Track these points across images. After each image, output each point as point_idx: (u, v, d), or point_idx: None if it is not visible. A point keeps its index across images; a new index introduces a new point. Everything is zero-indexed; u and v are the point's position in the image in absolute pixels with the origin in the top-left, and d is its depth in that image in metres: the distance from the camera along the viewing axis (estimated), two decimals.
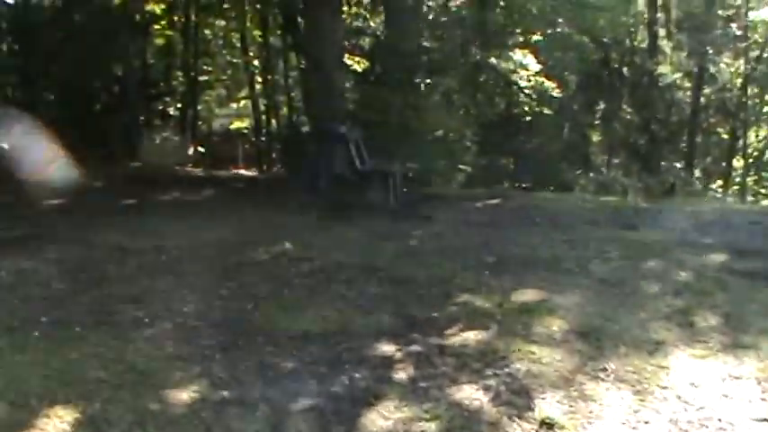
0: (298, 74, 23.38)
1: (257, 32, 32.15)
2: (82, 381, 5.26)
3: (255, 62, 33.17)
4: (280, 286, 7.62)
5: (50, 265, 8.21)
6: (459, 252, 9.31)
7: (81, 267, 8.13)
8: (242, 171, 33.40)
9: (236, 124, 38.69)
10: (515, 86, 22.51)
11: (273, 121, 34.15)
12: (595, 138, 28.62)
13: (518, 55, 21.80)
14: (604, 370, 5.65)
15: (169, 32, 28.47)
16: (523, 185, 21.14)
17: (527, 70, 22.30)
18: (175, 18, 28.72)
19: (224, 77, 34.60)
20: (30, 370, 5.41)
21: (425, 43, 18.69)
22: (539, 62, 22.48)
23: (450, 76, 19.09)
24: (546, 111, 23.65)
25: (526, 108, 23.33)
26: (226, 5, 26.16)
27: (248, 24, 30.58)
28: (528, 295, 7.53)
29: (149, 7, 26.41)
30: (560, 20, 18.65)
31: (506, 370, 5.65)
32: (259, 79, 33.60)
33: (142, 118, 26.02)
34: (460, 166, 17.28)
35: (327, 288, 7.57)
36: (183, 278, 7.81)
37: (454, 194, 14.52)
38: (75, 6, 27.05)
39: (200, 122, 32.38)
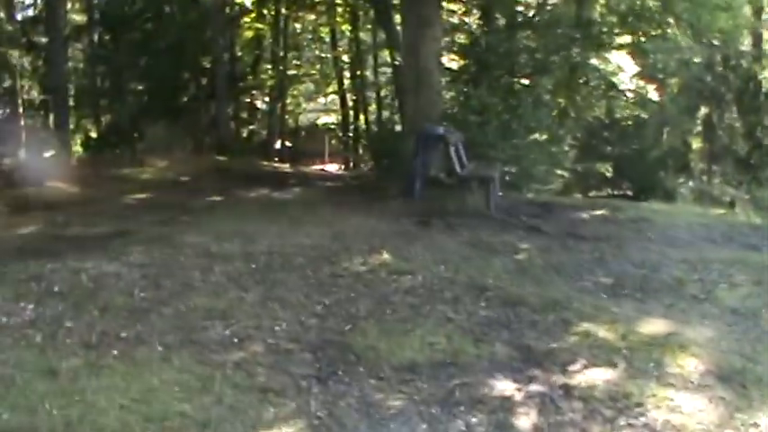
0: (391, 71, 22.50)
1: (347, 27, 31.75)
2: (163, 415, 4.63)
3: (345, 57, 32.75)
4: (380, 304, 6.90)
5: (133, 270, 7.62)
6: (572, 270, 8.51)
7: (165, 273, 7.52)
8: (328, 167, 33.12)
9: (323, 119, 38.42)
10: (616, 89, 21.54)
11: (362, 117, 33.70)
12: (696, 145, 27.31)
13: (616, 56, 20.90)
14: (756, 426, 4.86)
15: (258, 25, 28.05)
16: (624, 193, 20.18)
17: (624, 72, 21.44)
18: (264, 11, 28.30)
19: (312, 72, 34.03)
20: (107, 398, 4.79)
21: (523, 42, 17.81)
22: (637, 64, 21.57)
23: (550, 77, 18.12)
24: (645, 115, 22.65)
25: (626, 112, 22.33)
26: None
27: (338, 19, 30.12)
28: (654, 326, 6.69)
29: None
30: (670, 20, 17.37)
31: (642, 419, 4.89)
32: (347, 75, 33.18)
33: (230, 111, 25.55)
34: (559, 172, 16.28)
35: (432, 308, 6.83)
36: (274, 290, 7.15)
37: (556, 202, 13.61)
38: None
39: (287, 117, 31.86)
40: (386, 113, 32.32)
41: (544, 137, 15.69)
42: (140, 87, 26.31)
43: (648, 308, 7.24)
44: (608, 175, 21.99)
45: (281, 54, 28.56)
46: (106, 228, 10.52)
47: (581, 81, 20.55)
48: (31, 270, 7.52)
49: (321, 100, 39.16)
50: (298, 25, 31.08)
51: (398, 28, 20.90)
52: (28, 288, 6.93)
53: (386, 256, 8.46)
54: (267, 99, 29.40)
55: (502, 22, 19.42)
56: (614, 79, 21.46)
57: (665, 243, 10.23)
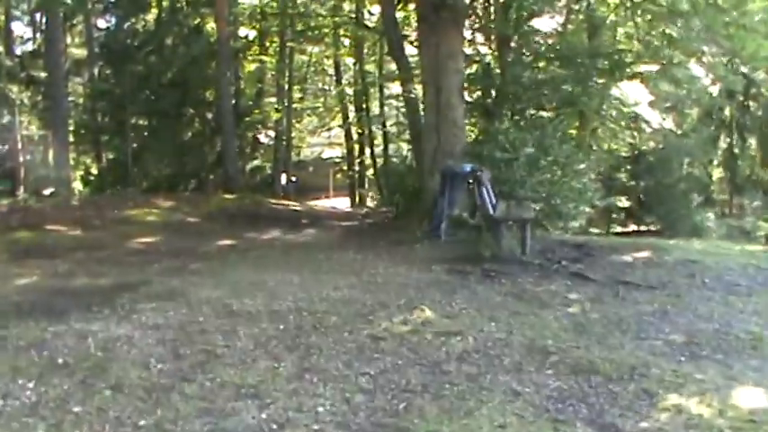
0: (403, 104, 21.64)
1: (351, 59, 31.10)
2: None
3: (349, 90, 32.08)
4: (433, 374, 5.99)
5: (147, 333, 6.75)
6: (636, 326, 7.60)
7: (183, 338, 6.64)
8: (334, 201, 32.30)
9: (328, 153, 37.70)
10: (638, 120, 20.79)
11: (367, 151, 32.99)
12: (716, 175, 26.52)
13: (633, 86, 20.18)
14: None
15: (263, 58, 27.29)
16: (649, 228, 19.33)
17: (641, 103, 20.75)
18: (267, 43, 27.58)
19: (316, 105, 33.29)
20: None
21: (548, 73, 16.99)
22: (653, 93, 20.88)
23: (576, 109, 17.30)
24: (666, 146, 21.88)
25: (649, 144, 21.54)
26: (324, 30, 24.49)
27: (341, 51, 29.44)
28: (751, 397, 5.75)
29: (242, 31, 25.22)
30: (704, 47, 16.59)
31: None
32: (352, 108, 32.49)
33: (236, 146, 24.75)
34: (585, 208, 15.41)
35: (494, 378, 5.93)
36: (310, 358, 6.25)
37: (591, 243, 12.72)
38: (167, 30, 26.18)
39: (291, 151, 31.09)
40: (393, 147, 31.61)
41: (572, 172, 14.79)
42: (142, 122, 25.53)
43: (735, 373, 6.32)
44: (629, 208, 21.11)
45: (287, 87, 27.77)
46: (113, 278, 9.64)
47: (604, 112, 19.72)
48: (31, 334, 6.67)
49: (325, 133, 38.56)
50: (304, 57, 30.33)
51: (410, 59, 20.24)
52: (28, 358, 6.05)
53: (428, 312, 7.58)
54: (272, 133, 28.63)
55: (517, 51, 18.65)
56: (635, 110, 20.72)
57: (725, 290, 9.32)
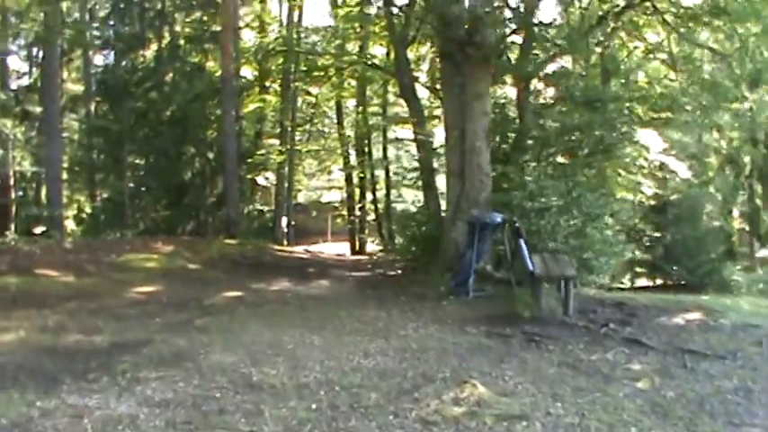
0: (416, 147, 20.66)
1: (351, 100, 30.25)
2: None
3: (350, 132, 31.21)
4: None
5: (154, 412, 5.67)
6: (722, 408, 6.49)
7: (199, 419, 5.57)
8: (333, 246, 31.21)
9: (328, 197, 36.74)
10: (663, 169, 19.89)
11: (369, 196, 32.05)
12: (737, 226, 25.56)
13: (649, 134, 19.33)
14: None
15: (267, 97, 26.32)
16: (677, 282, 18.30)
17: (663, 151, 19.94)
18: (269, 83, 26.63)
19: (317, 147, 32.28)
20: None
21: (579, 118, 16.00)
22: (667, 141, 20.09)
23: (607, 156, 16.30)
24: (688, 195, 20.96)
25: (671, 193, 20.60)
26: (331, 70, 23.52)
27: (344, 93, 28.56)
28: None
29: (244, 70, 24.23)
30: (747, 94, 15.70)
31: None
32: (352, 150, 31.58)
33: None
34: (613, 261, 14.37)
35: None
36: None
37: (632, 302, 11.64)
38: (168, 66, 25.29)
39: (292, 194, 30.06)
40: (395, 192, 30.69)
41: (602, 223, 13.79)
42: (139, 161, 24.51)
43: None
44: (652, 260, 20.08)
45: (291, 128, 26.79)
46: (110, 335, 8.56)
47: (628, 159, 18.78)
48: (14, 410, 5.61)
49: (323, 176, 37.71)
50: (307, 98, 29.39)
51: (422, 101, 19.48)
52: None
53: (480, 388, 6.48)
54: (269, 175, 27.64)
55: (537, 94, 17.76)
56: (658, 158, 19.86)
57: None
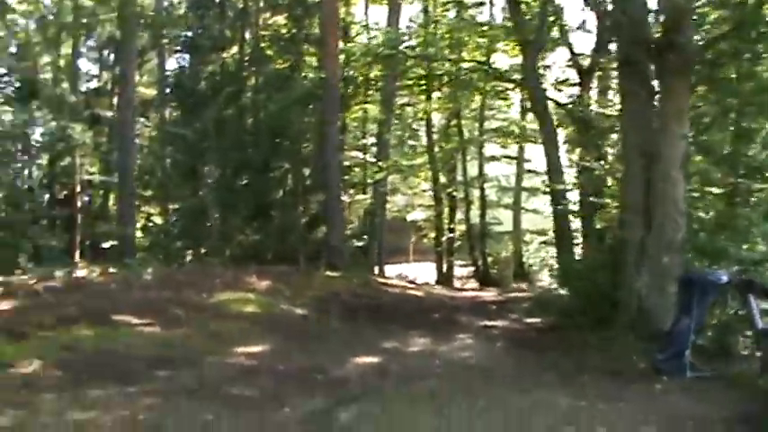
0: (546, 169, 17.79)
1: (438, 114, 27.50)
2: None
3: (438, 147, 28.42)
4: None
5: None
6: None
7: None
8: (416, 267, 28.46)
9: (415, 215, 34.07)
10: None
11: (459, 215, 29.31)
12: None
13: None
14: None
15: (370, 107, 23.58)
16: None
17: None
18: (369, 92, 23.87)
19: (411, 163, 29.40)
20: None
21: None
22: None
23: None
24: None
25: None
26: (445, 78, 20.74)
27: (434, 106, 25.73)
28: None
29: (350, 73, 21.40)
30: None
31: None
32: (441, 167, 28.75)
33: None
34: None
35: None
36: None
37: None
38: (250, 71, 22.78)
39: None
40: (490, 213, 27.87)
41: None
42: (215, 173, 21.96)
43: None
44: None
45: (391, 141, 24.01)
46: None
47: None
48: None
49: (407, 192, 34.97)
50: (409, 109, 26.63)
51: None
52: None
53: None
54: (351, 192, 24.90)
55: None
56: None
57: None
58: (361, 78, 22.31)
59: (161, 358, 8.65)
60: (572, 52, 18.23)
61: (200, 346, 9.41)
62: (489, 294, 18.86)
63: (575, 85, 18.94)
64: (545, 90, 18.04)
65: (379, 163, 22.94)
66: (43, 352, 8.43)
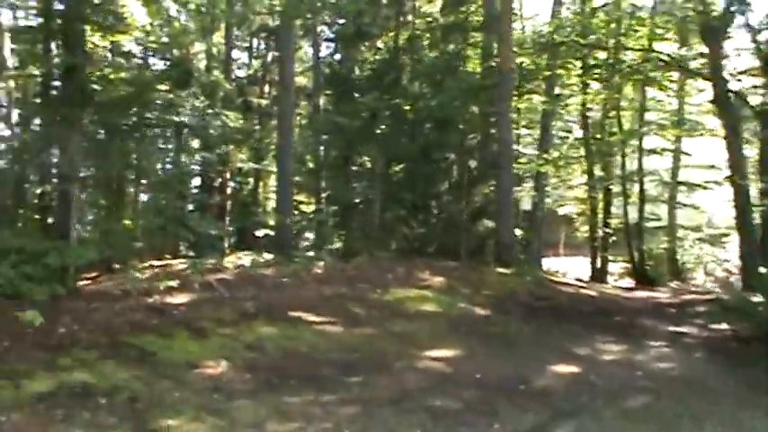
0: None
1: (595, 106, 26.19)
2: None
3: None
4: None
5: None
6: None
7: None
8: (567, 261, 27.36)
9: (567, 209, 32.95)
10: None
11: (613, 211, 27.92)
12: None
13: None
14: None
15: (539, 97, 22.59)
16: None
17: None
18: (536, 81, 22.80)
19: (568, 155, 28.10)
20: None
21: None
22: None
23: None
24: None
25: None
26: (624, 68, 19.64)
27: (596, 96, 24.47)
28: None
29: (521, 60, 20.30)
30: None
31: None
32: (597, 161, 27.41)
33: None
34: None
35: None
36: None
37: None
38: (408, 58, 22.11)
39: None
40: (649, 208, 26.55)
41: None
42: (377, 164, 21.37)
43: None
44: None
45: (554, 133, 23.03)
46: None
47: None
48: None
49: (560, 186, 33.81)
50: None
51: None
52: None
53: None
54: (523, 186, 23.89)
55: None
56: None
57: None
58: (534, 68, 21.29)
59: (349, 362, 8.10)
60: (755, 40, 16.82)
61: (387, 348, 8.81)
62: (662, 295, 17.59)
63: (755, 74, 17.58)
64: (727, 81, 16.73)
65: (544, 155, 21.93)
66: (228, 352, 8.00)
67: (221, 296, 10.37)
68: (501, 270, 15.08)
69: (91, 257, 11.01)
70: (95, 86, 13.19)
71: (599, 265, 26.68)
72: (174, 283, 10.64)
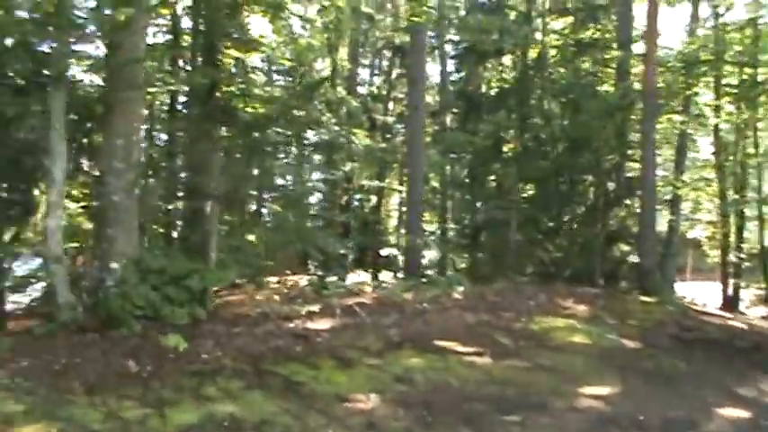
0: None
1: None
2: None
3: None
4: None
5: None
6: None
7: None
8: (695, 286, 26.17)
9: (696, 232, 31.77)
10: None
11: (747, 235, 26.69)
12: None
13: None
14: None
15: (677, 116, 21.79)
16: None
17: None
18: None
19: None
20: None
21: None
22: None
23: None
24: None
25: None
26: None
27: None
28: None
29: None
30: None
31: None
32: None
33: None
34: None
35: None
36: None
37: None
38: (538, 76, 21.56)
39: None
40: None
41: None
42: (509, 185, 20.89)
43: None
44: None
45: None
46: None
47: None
48: None
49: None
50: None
51: None
52: None
53: None
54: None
55: None
56: None
57: None
58: (679, 87, 20.52)
59: (503, 397, 7.69)
60: None
61: (540, 383, 8.35)
62: None
63: None
64: None
65: (681, 177, 21.12)
66: (377, 384, 7.69)
67: (363, 322, 10.10)
68: (644, 299, 14.42)
69: (230, 280, 10.91)
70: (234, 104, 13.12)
71: (730, 291, 25.66)
72: (315, 308, 10.44)
